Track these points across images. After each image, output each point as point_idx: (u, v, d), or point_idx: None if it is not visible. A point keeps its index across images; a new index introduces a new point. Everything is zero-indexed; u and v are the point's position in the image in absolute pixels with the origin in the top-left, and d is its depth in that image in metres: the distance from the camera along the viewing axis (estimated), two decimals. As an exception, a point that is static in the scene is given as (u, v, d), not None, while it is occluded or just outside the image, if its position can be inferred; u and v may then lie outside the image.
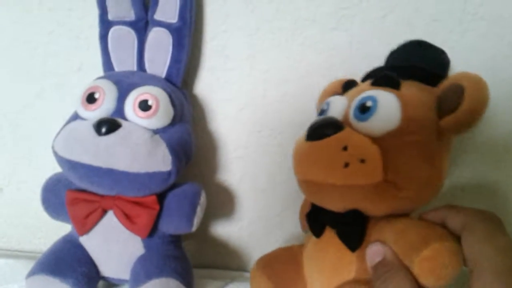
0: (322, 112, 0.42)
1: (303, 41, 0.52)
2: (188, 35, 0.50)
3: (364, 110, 0.36)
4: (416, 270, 0.31)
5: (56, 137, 0.46)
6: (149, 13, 0.51)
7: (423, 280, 0.31)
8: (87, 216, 0.47)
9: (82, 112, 0.46)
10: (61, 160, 0.45)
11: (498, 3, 0.48)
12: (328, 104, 0.41)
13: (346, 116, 0.38)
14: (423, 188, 0.36)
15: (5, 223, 0.66)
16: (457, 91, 0.34)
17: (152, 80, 0.49)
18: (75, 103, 0.48)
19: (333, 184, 0.36)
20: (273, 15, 0.52)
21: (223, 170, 0.59)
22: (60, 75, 0.59)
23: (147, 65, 0.52)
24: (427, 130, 0.35)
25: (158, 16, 0.51)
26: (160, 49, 0.51)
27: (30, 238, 0.66)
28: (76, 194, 0.47)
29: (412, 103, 0.36)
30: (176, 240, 0.51)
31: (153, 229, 0.47)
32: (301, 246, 0.47)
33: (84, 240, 0.49)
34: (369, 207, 0.37)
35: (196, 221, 0.48)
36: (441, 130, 0.36)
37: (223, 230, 0.62)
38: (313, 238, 0.43)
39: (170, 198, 0.48)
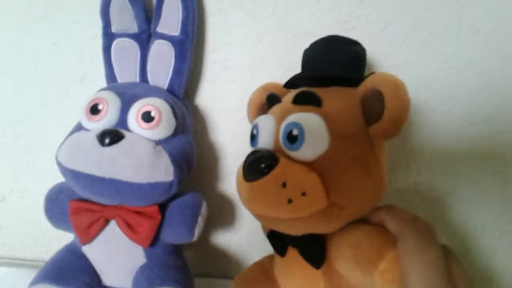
0: (253, 137, 0.42)
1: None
2: (190, 47, 0.51)
3: (292, 139, 0.36)
4: (378, 282, 0.32)
5: (59, 147, 0.47)
6: (152, 26, 0.52)
7: None
8: (90, 225, 0.48)
9: (86, 123, 0.47)
10: (65, 170, 0.46)
11: (494, 17, 0.49)
12: (257, 127, 0.41)
13: (277, 141, 0.38)
14: (366, 199, 0.37)
15: (7, 232, 0.67)
16: (377, 96, 0.35)
17: (155, 91, 0.49)
18: (78, 113, 0.48)
19: (281, 218, 0.36)
20: (273, 28, 0.53)
21: (224, 180, 0.60)
22: (63, 85, 0.60)
23: (149, 77, 0.52)
24: (358, 142, 0.36)
25: (161, 28, 0.51)
26: (162, 61, 0.51)
27: (32, 247, 0.67)
28: (79, 204, 0.48)
29: (338, 120, 0.36)
30: (177, 250, 0.52)
31: (155, 239, 0.48)
32: (271, 259, 0.47)
33: (87, 250, 0.50)
34: (321, 229, 0.38)
35: (197, 231, 0.48)
36: (371, 137, 0.36)
37: (223, 239, 0.62)
38: (278, 256, 0.43)
39: (172, 208, 0.48)
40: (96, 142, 0.44)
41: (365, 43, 0.47)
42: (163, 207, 0.48)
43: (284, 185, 0.34)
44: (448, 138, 0.52)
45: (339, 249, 0.37)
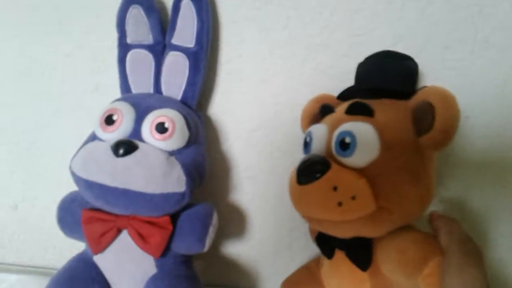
0: (306, 144, 0.44)
1: (315, 66, 0.53)
2: (204, 59, 0.52)
3: (344, 147, 0.38)
4: (422, 286, 0.34)
5: (74, 157, 0.47)
6: (167, 38, 0.53)
7: None
8: (102, 235, 0.48)
9: (100, 133, 0.47)
10: (78, 180, 0.46)
11: (508, 31, 0.49)
12: (310, 135, 0.43)
13: (328, 148, 0.40)
14: (413, 206, 0.38)
15: (19, 239, 0.67)
16: (428, 109, 0.36)
17: (169, 102, 0.50)
18: (91, 123, 0.49)
19: (331, 220, 0.39)
20: (286, 41, 0.53)
21: (235, 190, 0.60)
22: (76, 95, 0.60)
23: (163, 88, 0.53)
24: (408, 151, 0.37)
25: (176, 40, 0.52)
26: (176, 73, 0.52)
27: (43, 255, 0.67)
28: (91, 213, 0.48)
29: (389, 129, 0.38)
30: (187, 260, 0.52)
31: (166, 249, 0.48)
32: (317, 263, 0.49)
33: (98, 259, 0.50)
34: (369, 233, 0.40)
35: (208, 241, 0.48)
36: (421, 148, 0.38)
37: (233, 249, 0.62)
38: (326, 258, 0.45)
39: (183, 218, 0.48)
40: (110, 153, 0.44)
41: (378, 57, 0.48)
42: (174, 217, 0.48)
43: (335, 189, 0.37)
44: (460, 151, 0.52)
45: (385, 253, 0.39)
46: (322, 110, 0.46)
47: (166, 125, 0.46)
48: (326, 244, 0.44)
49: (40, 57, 0.60)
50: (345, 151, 0.38)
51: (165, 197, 0.45)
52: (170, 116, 0.47)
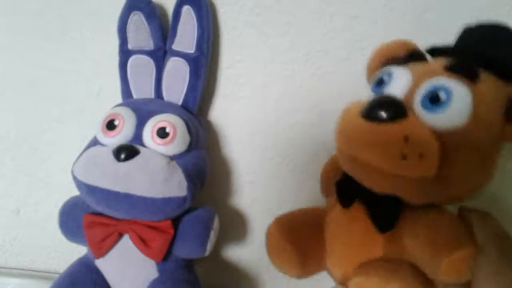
0: (380, 82, 0.39)
1: (315, 71, 0.54)
2: (204, 64, 0.52)
3: (435, 101, 0.34)
4: (444, 269, 0.32)
5: (75, 161, 0.47)
6: (168, 43, 0.53)
7: (445, 276, 0.33)
8: (104, 239, 0.48)
9: (102, 138, 0.48)
10: (80, 184, 0.46)
11: None
12: (389, 75, 0.38)
13: (409, 97, 0.35)
14: (470, 190, 0.36)
15: (21, 243, 0.68)
16: None
17: (170, 107, 0.50)
18: (94, 128, 0.49)
19: (384, 171, 0.34)
20: (286, 46, 0.54)
21: (235, 194, 0.61)
22: (79, 100, 0.61)
23: (164, 93, 0.53)
24: (491, 134, 0.34)
25: (176, 46, 0.53)
26: (177, 78, 0.52)
27: (44, 259, 0.68)
28: (93, 217, 0.48)
29: (484, 103, 0.33)
30: (189, 264, 0.52)
31: (167, 253, 0.48)
32: (321, 210, 0.45)
33: (100, 263, 0.50)
34: (412, 197, 0.36)
35: (210, 245, 0.49)
36: (504, 135, 0.34)
37: (234, 253, 0.63)
38: (339, 206, 0.42)
39: (185, 222, 0.49)
40: (112, 157, 0.45)
41: (377, 62, 0.48)
42: (175, 221, 0.48)
43: (406, 139, 0.33)
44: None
45: (415, 224, 0.36)
46: (410, 55, 0.40)
47: (167, 129, 0.47)
48: (348, 192, 0.40)
49: (43, 62, 0.61)
50: (434, 107, 0.33)
51: (167, 201, 0.45)
52: (171, 121, 0.47)
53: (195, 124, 0.52)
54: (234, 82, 0.57)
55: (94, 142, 0.49)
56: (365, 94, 0.52)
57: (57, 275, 0.51)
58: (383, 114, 0.33)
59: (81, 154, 0.48)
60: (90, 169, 0.46)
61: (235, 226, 0.61)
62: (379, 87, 0.38)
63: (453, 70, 0.35)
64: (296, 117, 0.55)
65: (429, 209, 0.36)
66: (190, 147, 0.49)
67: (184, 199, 0.46)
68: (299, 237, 0.43)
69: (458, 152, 0.33)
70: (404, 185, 0.35)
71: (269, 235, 0.45)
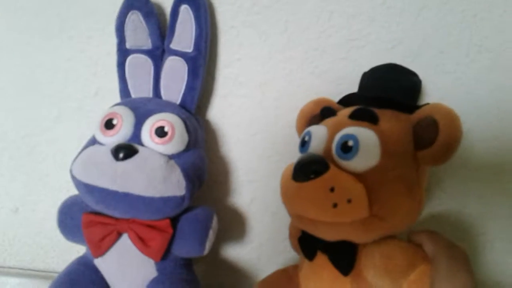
0: (304, 143, 0.44)
1: (313, 70, 0.54)
2: (202, 64, 0.52)
3: (346, 150, 0.38)
4: None
5: (74, 161, 0.47)
6: (166, 42, 0.53)
7: None
8: (103, 238, 0.48)
9: (100, 137, 0.48)
10: (79, 184, 0.46)
11: (503, 36, 0.49)
12: (309, 135, 0.43)
13: (328, 150, 0.40)
14: (405, 217, 0.39)
15: (19, 243, 0.68)
16: (431, 124, 0.37)
17: (168, 107, 0.50)
18: (92, 127, 0.49)
19: (322, 221, 0.39)
20: (284, 45, 0.54)
21: (234, 194, 0.61)
22: (78, 99, 0.61)
23: (162, 92, 0.53)
24: (406, 163, 0.38)
25: (174, 45, 0.52)
26: (175, 77, 0.52)
27: (43, 258, 0.67)
28: (92, 217, 0.48)
29: (391, 139, 0.38)
30: (188, 263, 0.52)
31: (166, 253, 0.48)
32: (296, 267, 0.49)
33: (99, 262, 0.50)
34: (358, 238, 0.40)
35: (208, 244, 0.49)
36: (418, 161, 0.39)
37: (233, 252, 0.63)
38: (306, 260, 0.45)
39: (183, 222, 0.49)
40: (110, 157, 0.45)
41: (374, 61, 0.49)
42: (174, 220, 0.48)
43: (332, 190, 0.37)
44: (457, 154, 0.52)
45: (371, 259, 0.39)
46: (323, 113, 0.46)
47: (166, 129, 0.47)
48: (309, 246, 0.44)
49: (42, 61, 0.61)
50: (347, 154, 0.38)
51: (165, 200, 0.45)
52: (169, 120, 0.47)
53: (194, 123, 0.52)
54: (232, 81, 0.57)
55: (93, 141, 0.49)
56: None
57: (55, 275, 0.51)
58: (308, 172, 0.38)
59: (79, 153, 0.48)
60: (88, 168, 0.46)
61: (234, 225, 0.61)
62: (303, 147, 0.44)
63: (355, 117, 0.40)
64: (295, 115, 0.55)
65: (380, 241, 0.40)
66: (189, 146, 0.49)
67: (182, 198, 0.46)
68: None
69: (381, 188, 0.37)
70: (347, 230, 0.39)
71: None
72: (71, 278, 0.50)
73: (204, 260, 0.60)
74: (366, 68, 0.51)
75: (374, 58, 0.51)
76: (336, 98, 0.53)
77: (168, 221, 0.47)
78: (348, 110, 0.42)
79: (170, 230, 0.47)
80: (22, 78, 0.62)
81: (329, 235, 0.41)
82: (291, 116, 0.55)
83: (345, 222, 0.38)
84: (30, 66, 0.61)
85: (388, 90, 0.43)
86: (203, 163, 0.51)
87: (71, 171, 0.47)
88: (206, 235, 0.49)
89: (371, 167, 0.37)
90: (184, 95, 0.53)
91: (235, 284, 0.63)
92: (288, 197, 0.42)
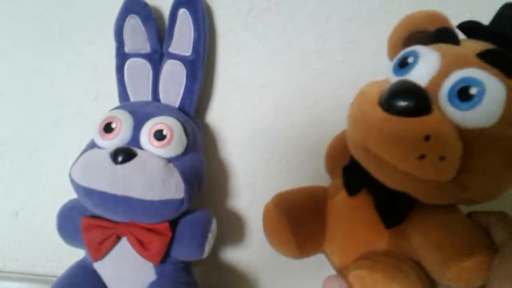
0: (403, 64, 0.34)
1: (312, 72, 0.54)
2: (201, 67, 0.52)
3: (464, 97, 0.30)
4: (453, 275, 0.30)
5: (73, 165, 0.48)
6: (164, 46, 0.53)
7: (451, 282, 0.31)
8: (102, 242, 0.48)
9: (99, 141, 0.48)
10: (78, 187, 0.47)
11: None
12: (416, 56, 0.33)
13: (434, 85, 0.31)
14: (492, 195, 0.33)
15: (19, 247, 0.68)
16: None
17: (167, 110, 0.50)
18: (92, 131, 0.49)
19: (396, 167, 0.31)
20: (283, 48, 0.54)
21: (233, 197, 0.61)
22: (77, 104, 0.61)
23: (161, 96, 0.53)
24: None
25: (173, 49, 0.53)
26: (174, 81, 0.53)
27: (43, 262, 0.68)
28: (91, 220, 0.48)
29: None
30: (187, 267, 0.52)
31: (165, 256, 0.48)
32: (324, 190, 0.43)
33: (98, 266, 0.50)
34: (425, 197, 0.33)
35: (208, 247, 0.49)
36: None
37: (232, 255, 0.63)
38: (344, 192, 0.39)
39: (182, 225, 0.49)
40: (109, 160, 0.45)
41: (372, 64, 0.49)
42: (173, 224, 0.48)
43: (427, 138, 0.29)
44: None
45: (424, 223, 0.34)
46: (439, 33, 0.35)
47: (164, 132, 0.47)
48: (355, 179, 0.37)
49: (41, 66, 0.61)
50: (463, 103, 0.30)
51: (164, 203, 0.45)
52: (168, 123, 0.47)
53: (192, 126, 0.52)
54: (231, 85, 0.57)
55: (92, 145, 0.49)
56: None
57: (56, 279, 0.51)
58: (405, 107, 0.30)
59: (78, 157, 0.48)
60: (87, 172, 0.46)
61: (233, 228, 0.61)
62: (401, 69, 0.34)
63: (488, 60, 0.30)
64: (293, 118, 0.55)
65: (441, 208, 0.34)
66: (187, 150, 0.49)
67: (181, 201, 0.46)
68: (298, 218, 0.40)
69: (482, 156, 0.30)
70: (417, 185, 0.32)
71: (267, 213, 0.42)
72: (70, 282, 0.50)
73: (203, 263, 0.60)
74: (364, 71, 0.51)
75: (372, 60, 0.51)
76: (334, 101, 0.54)
77: (167, 224, 0.47)
78: (477, 45, 0.32)
79: (169, 233, 0.47)
80: (22, 82, 0.62)
81: (393, 182, 0.33)
82: (290, 119, 0.56)
83: (421, 179, 0.31)
84: (30, 70, 0.61)
85: None
86: (202, 166, 0.51)
87: (70, 174, 0.47)
88: (205, 238, 0.49)
89: (483, 127, 0.29)
90: (183, 98, 0.53)
91: (234, 287, 0.63)
92: (365, 127, 0.32)
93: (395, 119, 0.30)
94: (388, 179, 0.33)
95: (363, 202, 0.37)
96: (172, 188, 0.45)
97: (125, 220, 0.47)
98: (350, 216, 0.38)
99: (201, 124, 0.57)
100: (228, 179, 0.60)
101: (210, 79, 0.57)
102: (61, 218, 0.52)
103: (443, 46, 0.33)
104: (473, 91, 0.29)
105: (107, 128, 0.48)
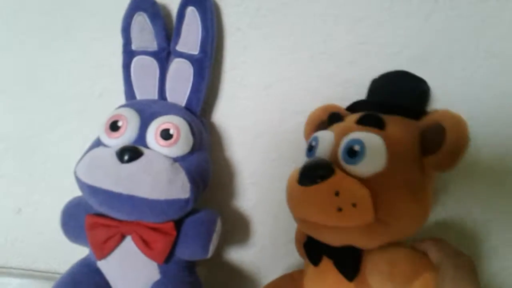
0: (311, 148, 0.44)
1: (319, 73, 0.54)
2: (208, 66, 0.52)
3: (352, 154, 0.38)
4: None
5: (78, 162, 0.47)
6: (172, 44, 0.53)
7: None
8: (106, 240, 0.48)
9: (105, 139, 0.48)
10: (83, 185, 0.46)
11: (510, 41, 0.49)
12: (316, 140, 0.43)
13: (334, 154, 0.40)
14: (411, 223, 0.39)
15: (22, 243, 0.68)
16: (439, 131, 0.37)
17: (173, 109, 0.50)
18: (96, 129, 0.49)
19: (326, 225, 0.39)
20: (290, 48, 0.54)
21: (238, 197, 0.60)
22: (81, 101, 0.61)
23: (168, 94, 0.53)
24: (412, 168, 0.38)
25: (180, 47, 0.52)
26: (181, 79, 0.52)
27: (45, 258, 0.68)
28: (95, 218, 0.48)
29: (397, 144, 0.38)
30: (191, 266, 0.52)
31: (170, 255, 0.48)
32: (301, 272, 0.49)
33: (102, 265, 0.50)
34: (363, 243, 0.40)
35: (212, 248, 0.49)
36: (424, 167, 0.39)
37: (236, 255, 0.63)
38: (311, 265, 0.45)
39: (187, 224, 0.49)
40: (115, 159, 0.45)
41: (381, 65, 0.48)
42: (178, 223, 0.48)
43: (337, 194, 0.37)
44: (464, 159, 0.52)
45: (375, 265, 0.39)
46: (330, 118, 0.46)
47: (171, 131, 0.47)
48: (314, 251, 0.44)
49: (46, 62, 0.61)
50: (353, 159, 0.38)
51: (170, 203, 0.45)
52: (175, 122, 0.47)
53: (198, 125, 0.51)
54: (238, 84, 0.56)
55: (97, 143, 0.49)
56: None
57: (58, 275, 0.51)
58: (314, 176, 0.39)
59: (84, 155, 0.48)
60: (93, 170, 0.46)
61: (238, 228, 0.61)
62: (310, 152, 0.44)
63: (362, 123, 0.40)
64: (299, 118, 0.55)
65: (385, 247, 0.40)
66: (193, 149, 0.49)
67: (187, 201, 0.46)
68: None
69: (387, 193, 0.37)
70: (352, 235, 0.39)
71: None
72: (74, 280, 0.50)
73: (207, 263, 0.60)
74: (373, 72, 0.51)
75: (381, 62, 0.51)
76: (341, 102, 0.53)
77: (172, 223, 0.47)
78: (355, 116, 0.42)
79: (174, 233, 0.47)
80: (26, 79, 0.62)
81: (334, 240, 0.41)
82: (296, 120, 0.55)
83: (350, 227, 0.38)
84: (34, 67, 0.61)
85: (397, 96, 0.44)
86: (207, 166, 0.51)
87: (75, 172, 0.47)
88: (210, 238, 0.49)
89: (377, 172, 0.37)
90: (190, 97, 0.52)
91: (238, 287, 0.63)
92: (293, 201, 0.42)
93: (309, 189, 0.39)
94: (330, 239, 0.41)
95: (326, 267, 0.43)
96: (178, 188, 0.45)
97: (130, 219, 0.47)
98: (321, 283, 0.44)
99: (207, 123, 0.56)
100: (233, 179, 0.60)
101: (216, 78, 0.57)
102: (66, 215, 0.51)
103: (334, 125, 0.44)
104: (356, 148, 0.38)
105: (113, 126, 0.47)
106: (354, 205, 0.36)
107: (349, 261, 0.40)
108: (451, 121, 0.37)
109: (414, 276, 0.36)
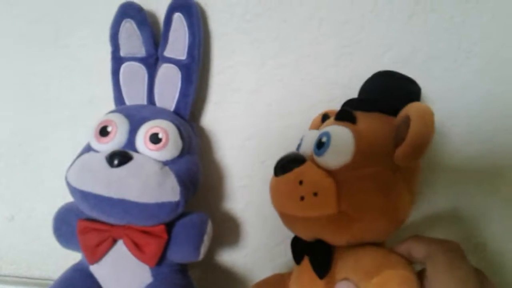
0: (298, 146, 0.46)
1: (305, 76, 0.55)
2: (196, 70, 0.53)
3: (320, 145, 0.39)
4: None
5: (69, 168, 0.48)
6: (159, 50, 0.54)
7: None
8: (98, 245, 0.48)
9: (95, 145, 0.48)
10: (74, 191, 0.47)
11: (492, 42, 0.50)
12: (302, 139, 0.45)
13: (312, 150, 0.41)
14: (377, 219, 0.37)
15: (15, 250, 0.68)
16: (407, 122, 0.36)
17: (162, 113, 0.51)
18: (87, 135, 0.50)
19: (295, 216, 0.40)
20: (276, 52, 0.55)
21: (228, 199, 0.61)
22: (72, 107, 0.61)
23: (156, 99, 0.54)
24: (381, 162, 0.38)
25: (168, 53, 0.53)
26: (169, 84, 0.53)
27: (39, 265, 0.68)
28: (87, 223, 0.49)
29: (367, 138, 0.38)
30: (183, 269, 0.53)
31: (161, 258, 0.49)
32: (290, 273, 0.49)
33: (94, 269, 0.51)
34: (329, 237, 0.40)
35: (203, 250, 0.49)
36: (394, 159, 0.38)
37: (228, 257, 0.63)
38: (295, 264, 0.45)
39: (178, 227, 0.49)
40: (105, 163, 0.45)
41: (365, 67, 0.49)
42: (169, 226, 0.49)
43: (300, 182, 0.38)
44: (448, 157, 0.53)
45: (345, 262, 0.39)
46: (322, 119, 0.47)
47: (160, 135, 0.47)
48: (297, 248, 0.44)
49: (37, 69, 0.61)
50: (320, 150, 0.39)
51: (160, 206, 0.46)
52: (163, 126, 0.48)
53: (188, 129, 0.52)
54: (226, 88, 0.57)
55: (87, 149, 0.49)
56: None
57: (52, 282, 0.51)
58: (284, 166, 0.41)
59: (74, 160, 0.48)
60: (83, 175, 0.46)
61: (229, 231, 0.62)
62: (297, 150, 0.46)
63: (339, 118, 0.41)
64: (287, 121, 0.56)
65: (358, 246, 0.39)
66: (183, 153, 0.49)
67: (177, 204, 0.47)
68: None
69: (352, 186, 0.37)
70: (318, 226, 0.39)
71: None
72: (66, 285, 0.50)
73: (199, 265, 0.61)
74: (357, 74, 0.51)
75: (364, 64, 0.52)
76: (327, 104, 0.54)
77: (163, 226, 0.48)
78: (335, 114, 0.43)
79: (165, 236, 0.48)
80: (16, 86, 0.62)
81: (305, 233, 0.41)
82: (284, 121, 0.56)
83: (314, 217, 0.38)
84: (25, 74, 0.61)
85: (382, 94, 0.44)
86: (197, 169, 0.52)
87: (66, 178, 0.48)
88: (201, 240, 0.49)
89: (343, 164, 0.37)
90: (178, 101, 0.53)
91: (230, 288, 0.63)
92: (270, 193, 0.44)
93: (280, 178, 0.41)
94: (302, 232, 0.42)
95: (306, 267, 0.42)
96: (168, 190, 0.46)
97: (121, 223, 0.48)
98: (299, 281, 0.44)
99: (196, 128, 0.57)
100: (223, 182, 0.60)
101: (204, 82, 0.57)
102: (57, 221, 0.52)
103: (323, 124, 0.45)
104: (324, 139, 0.39)
105: (103, 132, 0.48)
106: (315, 194, 0.37)
107: (320, 257, 0.40)
108: (416, 112, 0.36)
109: (375, 272, 0.34)
